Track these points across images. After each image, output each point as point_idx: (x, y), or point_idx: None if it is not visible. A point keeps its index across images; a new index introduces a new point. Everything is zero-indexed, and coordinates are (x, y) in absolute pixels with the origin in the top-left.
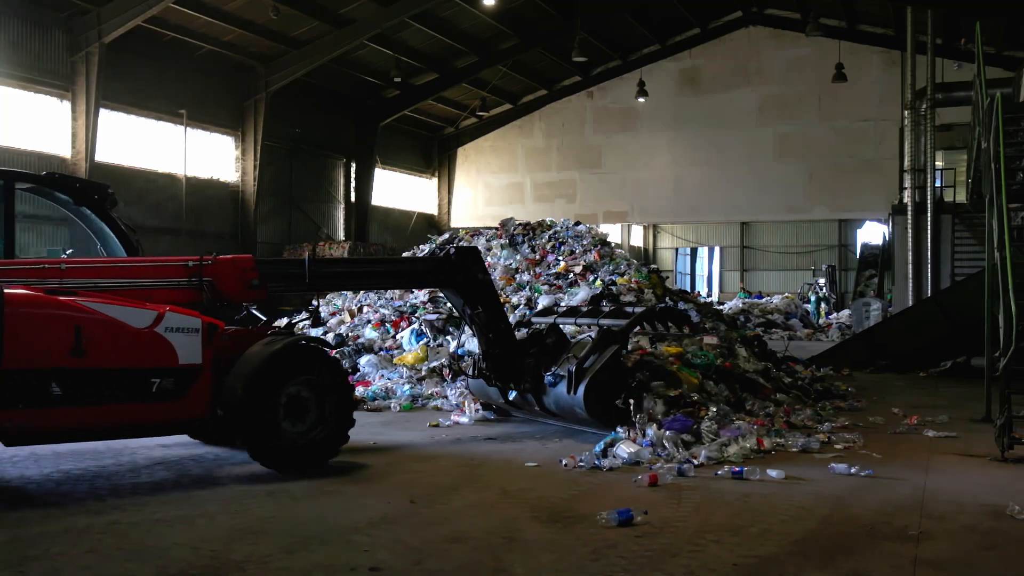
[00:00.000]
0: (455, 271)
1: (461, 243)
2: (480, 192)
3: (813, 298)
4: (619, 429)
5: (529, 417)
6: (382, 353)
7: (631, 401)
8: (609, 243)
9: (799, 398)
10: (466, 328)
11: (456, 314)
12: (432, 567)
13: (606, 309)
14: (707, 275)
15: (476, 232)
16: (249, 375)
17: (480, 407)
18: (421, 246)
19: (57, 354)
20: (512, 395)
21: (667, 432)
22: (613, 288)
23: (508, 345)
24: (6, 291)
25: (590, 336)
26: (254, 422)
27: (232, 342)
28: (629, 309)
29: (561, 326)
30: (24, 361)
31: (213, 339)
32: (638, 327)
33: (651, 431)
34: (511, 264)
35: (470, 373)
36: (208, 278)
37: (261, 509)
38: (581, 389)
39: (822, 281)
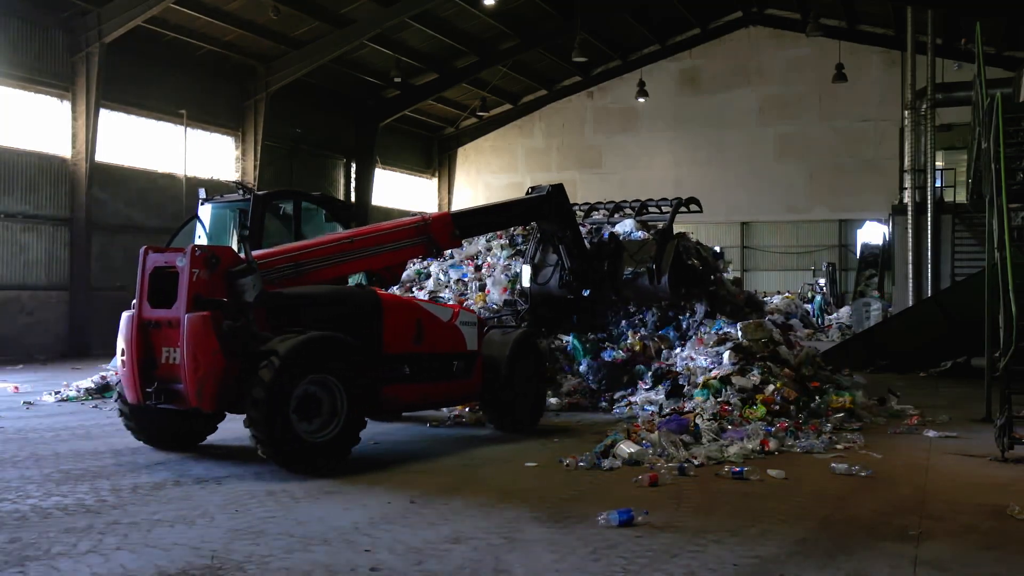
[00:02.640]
0: (553, 202)
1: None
2: (480, 192)
3: (819, 299)
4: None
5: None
6: None
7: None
8: None
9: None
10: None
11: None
12: (432, 567)
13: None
14: None
15: None
16: (507, 358)
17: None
18: None
19: (409, 342)
20: (586, 292)
21: (664, 431)
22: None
23: (586, 256)
24: (381, 294)
25: (635, 233)
26: (508, 397)
27: None
28: (652, 203)
29: (611, 228)
30: (393, 347)
31: (483, 330)
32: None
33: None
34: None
35: (529, 280)
36: (431, 234)
37: (261, 509)
38: (664, 280)
39: (822, 281)
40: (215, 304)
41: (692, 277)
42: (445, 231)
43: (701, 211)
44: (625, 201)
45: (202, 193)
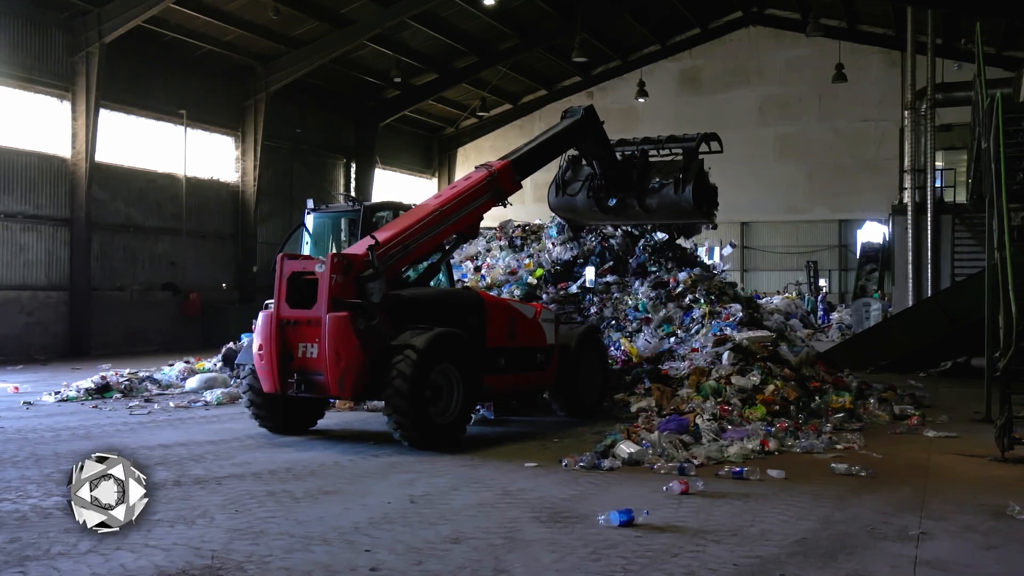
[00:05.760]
0: (589, 123)
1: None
2: None
3: (817, 298)
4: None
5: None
6: None
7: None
8: None
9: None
10: None
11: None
12: (432, 567)
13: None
14: None
15: None
16: (575, 350)
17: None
18: None
19: (504, 337)
20: (612, 202)
21: (664, 432)
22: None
23: (617, 168)
24: (484, 295)
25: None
26: (576, 385)
27: None
28: (676, 138)
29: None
30: (493, 342)
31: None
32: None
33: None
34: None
35: (557, 194)
36: (500, 184)
37: (261, 509)
38: (688, 189)
39: (802, 280)
40: (352, 305)
41: (714, 197)
42: (509, 178)
43: (721, 150)
44: (648, 137)
45: (310, 203)
